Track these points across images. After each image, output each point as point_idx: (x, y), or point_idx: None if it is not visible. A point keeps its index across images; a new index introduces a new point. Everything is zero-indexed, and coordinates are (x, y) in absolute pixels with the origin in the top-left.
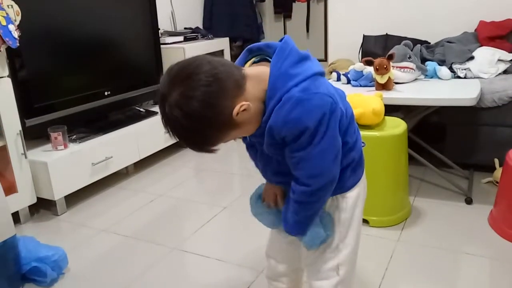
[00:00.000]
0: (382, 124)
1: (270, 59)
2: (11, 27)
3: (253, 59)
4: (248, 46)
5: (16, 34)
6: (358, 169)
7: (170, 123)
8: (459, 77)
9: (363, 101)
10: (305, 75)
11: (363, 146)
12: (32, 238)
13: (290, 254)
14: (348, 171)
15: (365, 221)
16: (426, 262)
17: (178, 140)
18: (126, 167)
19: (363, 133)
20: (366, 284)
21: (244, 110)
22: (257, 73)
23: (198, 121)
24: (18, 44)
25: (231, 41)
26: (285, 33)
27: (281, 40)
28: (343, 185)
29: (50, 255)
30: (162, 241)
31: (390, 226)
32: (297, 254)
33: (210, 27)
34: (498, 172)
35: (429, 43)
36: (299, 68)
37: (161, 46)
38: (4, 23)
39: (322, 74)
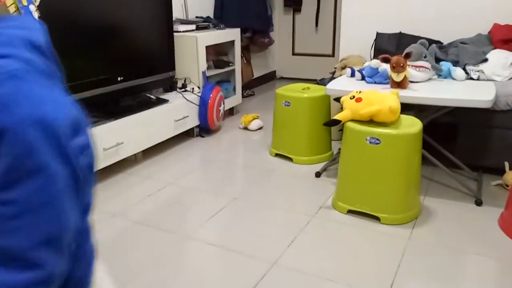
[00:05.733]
0: (398, 123)
1: None
2: (32, 8)
3: None
4: None
5: (36, 14)
6: None
7: None
8: (471, 79)
9: (380, 98)
10: None
11: (378, 144)
12: None
13: None
14: None
15: (376, 218)
16: (437, 261)
17: None
18: (135, 154)
19: (379, 130)
20: (380, 280)
21: None
22: None
23: None
24: None
25: (241, 32)
26: (293, 26)
27: None
28: None
29: None
30: (173, 229)
31: (401, 224)
32: None
33: (221, 16)
34: (509, 175)
35: (442, 43)
36: None
37: (174, 34)
38: (25, 3)
39: None
